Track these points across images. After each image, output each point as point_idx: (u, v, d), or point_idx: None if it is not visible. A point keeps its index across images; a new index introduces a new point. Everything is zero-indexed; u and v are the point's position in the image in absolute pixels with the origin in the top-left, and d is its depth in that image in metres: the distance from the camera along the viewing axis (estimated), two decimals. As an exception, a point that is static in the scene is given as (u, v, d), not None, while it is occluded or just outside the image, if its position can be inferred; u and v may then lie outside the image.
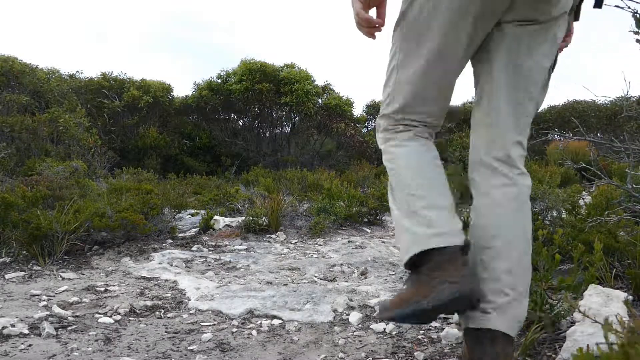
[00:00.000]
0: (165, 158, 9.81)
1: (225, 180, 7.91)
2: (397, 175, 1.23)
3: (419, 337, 1.93)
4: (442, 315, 1.98)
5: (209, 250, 3.45)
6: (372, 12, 1.26)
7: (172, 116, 11.03)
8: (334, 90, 11.34)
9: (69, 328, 1.99)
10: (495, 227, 1.17)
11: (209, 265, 3.07)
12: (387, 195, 1.30)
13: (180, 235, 3.84)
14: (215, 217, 4.15)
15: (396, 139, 1.25)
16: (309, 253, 3.39)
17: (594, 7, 1.26)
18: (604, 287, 1.72)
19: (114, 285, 2.59)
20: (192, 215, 4.36)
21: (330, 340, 1.91)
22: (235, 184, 6.88)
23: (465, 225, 1.22)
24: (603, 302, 1.61)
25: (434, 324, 2.03)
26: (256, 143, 11.30)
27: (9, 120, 6.37)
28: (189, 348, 1.83)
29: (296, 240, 3.77)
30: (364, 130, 12.69)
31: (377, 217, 4.45)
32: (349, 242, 3.63)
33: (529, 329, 1.66)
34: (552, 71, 1.24)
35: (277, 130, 11.72)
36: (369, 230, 4.17)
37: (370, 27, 1.23)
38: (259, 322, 2.09)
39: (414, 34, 1.19)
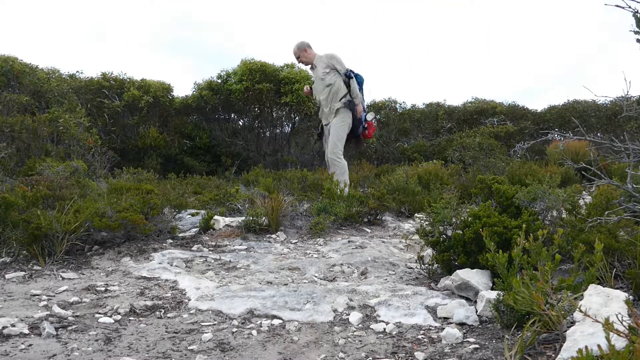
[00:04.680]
0: (165, 158, 9.80)
1: (226, 180, 7.89)
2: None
3: (419, 337, 1.93)
4: (442, 316, 2.15)
5: (209, 250, 3.45)
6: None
7: (172, 116, 11.02)
8: (334, 90, 11.31)
9: (69, 328, 1.99)
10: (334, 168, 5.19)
11: (209, 265, 3.07)
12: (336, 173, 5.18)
13: (180, 235, 3.84)
14: (215, 217, 4.15)
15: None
16: (309, 253, 3.39)
17: (357, 142, 5.60)
18: (604, 287, 1.72)
19: (114, 285, 2.60)
20: (192, 215, 4.36)
21: (330, 340, 1.91)
22: (236, 183, 6.87)
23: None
24: (603, 302, 1.61)
25: (434, 323, 2.04)
26: (256, 143, 11.30)
27: (9, 120, 6.36)
28: (189, 348, 1.83)
29: (296, 240, 3.76)
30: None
31: (377, 217, 4.45)
32: (349, 242, 3.63)
33: (524, 326, 1.66)
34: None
35: (277, 130, 11.71)
36: (369, 230, 4.17)
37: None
38: (259, 322, 2.10)
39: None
